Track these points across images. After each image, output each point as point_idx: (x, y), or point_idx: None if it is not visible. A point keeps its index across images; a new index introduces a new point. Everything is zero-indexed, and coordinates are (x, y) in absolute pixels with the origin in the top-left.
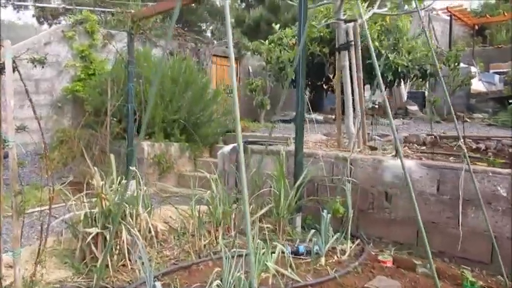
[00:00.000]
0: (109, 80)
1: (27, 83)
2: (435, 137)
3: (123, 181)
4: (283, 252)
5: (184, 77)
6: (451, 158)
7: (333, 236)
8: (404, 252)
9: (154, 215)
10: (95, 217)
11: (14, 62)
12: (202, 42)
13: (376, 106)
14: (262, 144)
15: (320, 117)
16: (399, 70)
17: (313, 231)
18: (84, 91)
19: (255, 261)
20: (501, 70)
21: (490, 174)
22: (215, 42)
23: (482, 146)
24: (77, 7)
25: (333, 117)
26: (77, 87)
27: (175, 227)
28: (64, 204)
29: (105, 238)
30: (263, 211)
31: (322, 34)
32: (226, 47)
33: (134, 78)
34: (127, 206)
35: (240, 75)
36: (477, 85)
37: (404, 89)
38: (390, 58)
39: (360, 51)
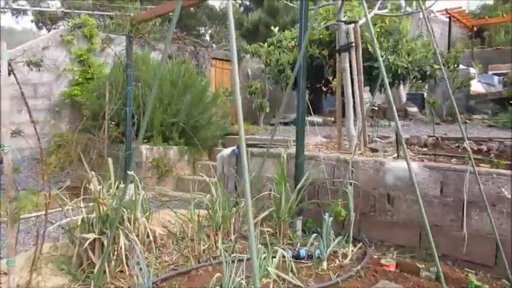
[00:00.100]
0: (107, 83)
1: (25, 88)
2: (437, 138)
3: (121, 185)
4: (284, 257)
5: (183, 80)
6: (453, 159)
7: (334, 240)
8: (407, 255)
9: (153, 220)
10: (92, 222)
11: (9, 65)
12: (201, 46)
13: (376, 108)
14: (262, 147)
15: (319, 119)
16: (399, 72)
17: (314, 234)
18: (82, 95)
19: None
20: (500, 71)
21: (494, 176)
22: (214, 45)
23: (484, 147)
24: (75, 11)
25: (332, 119)
26: (74, 92)
27: (174, 231)
28: (61, 209)
29: (103, 244)
30: (264, 215)
31: (321, 36)
32: (226, 50)
33: (133, 81)
34: (125, 210)
35: (239, 78)
36: (476, 86)
37: (403, 91)
38: (390, 60)
39: (360, 52)
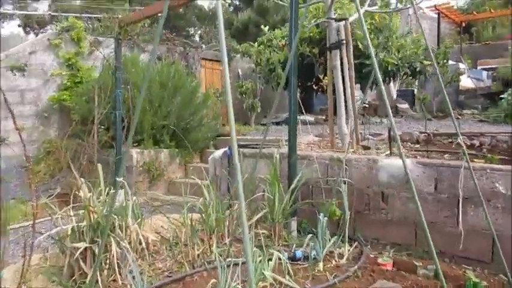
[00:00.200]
0: (96, 87)
1: (12, 94)
2: (429, 134)
3: (111, 192)
4: (280, 259)
5: (173, 81)
6: (446, 155)
7: (330, 240)
8: (403, 253)
9: (145, 226)
10: (83, 231)
11: None
12: (191, 46)
13: (367, 105)
14: (254, 148)
15: (311, 118)
16: (389, 68)
17: (310, 235)
18: (71, 100)
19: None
20: (489, 66)
21: (488, 171)
22: (204, 46)
23: (476, 142)
24: (62, 14)
25: (324, 117)
26: (63, 96)
27: (167, 237)
28: (50, 218)
29: (94, 253)
30: (257, 216)
31: (311, 34)
32: (216, 50)
33: (122, 84)
34: (116, 217)
35: (230, 79)
36: (466, 82)
37: (394, 88)
38: (380, 57)
39: (351, 50)
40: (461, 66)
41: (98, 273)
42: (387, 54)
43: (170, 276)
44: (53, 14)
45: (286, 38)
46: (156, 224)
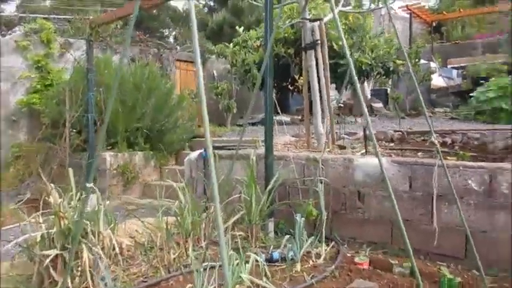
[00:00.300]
0: (67, 89)
1: None
2: (403, 133)
3: (83, 197)
4: (257, 261)
5: (147, 83)
6: (420, 153)
7: (307, 240)
8: (379, 251)
9: (119, 231)
10: (53, 238)
11: None
12: (165, 48)
13: (342, 105)
14: (230, 149)
15: (287, 118)
16: (363, 68)
17: (287, 236)
18: (41, 103)
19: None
20: (458, 65)
21: (461, 168)
22: (178, 47)
23: (448, 140)
24: (30, 15)
25: (300, 118)
26: (33, 100)
27: (142, 241)
28: (19, 224)
29: (65, 260)
30: (234, 219)
31: (286, 35)
32: (190, 51)
33: (94, 86)
34: (88, 223)
35: (204, 80)
36: (437, 80)
37: (368, 87)
38: (355, 57)
39: (326, 49)
40: (433, 65)
41: (69, 281)
42: (361, 54)
43: (145, 281)
44: (21, 15)
45: (261, 39)
46: (130, 228)
